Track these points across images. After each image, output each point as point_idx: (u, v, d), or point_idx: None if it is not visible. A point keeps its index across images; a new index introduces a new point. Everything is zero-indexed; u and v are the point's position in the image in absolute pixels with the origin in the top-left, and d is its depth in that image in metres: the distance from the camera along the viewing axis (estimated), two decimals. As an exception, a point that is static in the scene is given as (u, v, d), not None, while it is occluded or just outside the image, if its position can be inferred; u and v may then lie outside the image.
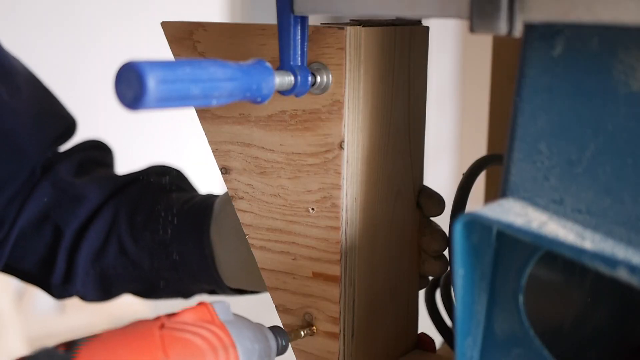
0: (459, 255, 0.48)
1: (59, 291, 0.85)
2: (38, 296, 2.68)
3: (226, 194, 0.77)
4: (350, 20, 0.62)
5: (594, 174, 0.47)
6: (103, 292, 0.84)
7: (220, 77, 0.48)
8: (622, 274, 0.42)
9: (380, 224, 0.65)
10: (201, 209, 0.79)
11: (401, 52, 0.64)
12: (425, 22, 0.67)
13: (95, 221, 0.81)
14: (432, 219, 0.71)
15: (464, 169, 0.69)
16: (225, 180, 0.67)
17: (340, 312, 0.63)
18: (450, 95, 4.30)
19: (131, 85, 0.44)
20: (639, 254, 0.44)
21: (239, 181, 0.66)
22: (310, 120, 0.61)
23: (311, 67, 0.59)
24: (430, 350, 0.72)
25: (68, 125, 0.87)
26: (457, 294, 0.49)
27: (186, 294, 0.84)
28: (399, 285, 0.69)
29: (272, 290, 0.67)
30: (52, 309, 2.78)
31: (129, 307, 2.53)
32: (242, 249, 0.73)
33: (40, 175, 0.82)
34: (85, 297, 0.85)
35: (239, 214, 0.67)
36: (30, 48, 2.24)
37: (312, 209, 0.63)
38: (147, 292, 0.85)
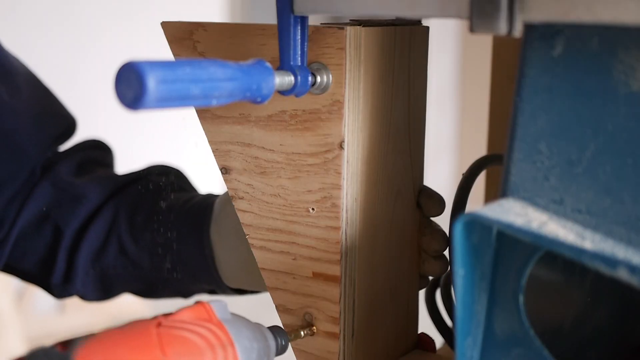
0: (459, 255, 0.48)
1: (59, 291, 0.85)
2: (38, 296, 2.69)
3: (226, 194, 0.77)
4: (350, 20, 0.62)
5: (594, 174, 0.47)
6: (103, 291, 0.84)
7: (220, 77, 0.48)
8: (622, 274, 0.42)
9: (380, 224, 0.65)
10: (201, 209, 0.79)
11: (401, 52, 0.64)
12: (425, 22, 0.67)
13: (95, 221, 0.81)
14: (432, 219, 0.71)
15: (464, 169, 0.69)
16: (225, 180, 0.67)
17: (340, 312, 0.63)
18: (450, 95, 4.30)
19: (131, 85, 0.44)
20: (639, 254, 0.44)
21: (239, 181, 0.66)
22: (310, 120, 0.61)
23: (311, 67, 0.59)
24: (430, 350, 0.72)
25: (68, 124, 0.87)
26: (457, 294, 0.49)
27: (186, 294, 0.84)
28: (399, 285, 0.69)
29: (272, 290, 0.67)
30: (52, 309, 2.78)
31: (128, 307, 2.53)
32: (242, 249, 0.73)
33: (40, 175, 0.82)
34: (85, 297, 0.85)
35: (239, 214, 0.67)
36: (30, 48, 2.24)
37: (312, 209, 0.63)
38: (147, 292, 0.85)
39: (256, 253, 0.67)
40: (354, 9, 0.53)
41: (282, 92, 0.56)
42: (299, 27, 0.57)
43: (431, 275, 0.72)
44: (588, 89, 0.47)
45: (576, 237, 0.46)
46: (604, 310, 0.61)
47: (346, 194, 0.61)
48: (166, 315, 0.55)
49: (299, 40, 0.57)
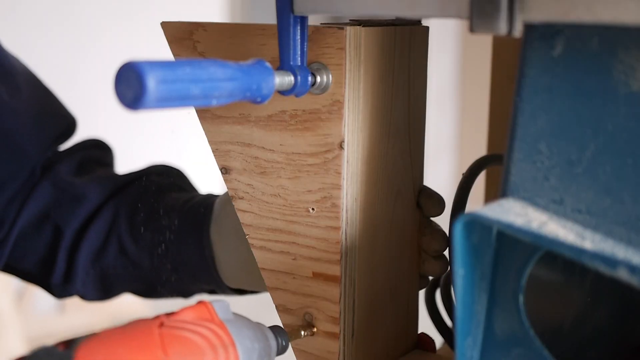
0: (459, 255, 0.48)
1: (59, 291, 0.85)
2: (38, 296, 2.68)
3: (226, 194, 0.77)
4: (350, 20, 0.62)
5: (594, 174, 0.47)
6: (103, 291, 0.84)
7: (220, 77, 0.48)
8: (622, 274, 0.42)
9: (380, 224, 0.65)
10: (201, 209, 0.79)
11: (401, 52, 0.64)
12: (425, 22, 0.67)
13: (96, 221, 0.81)
14: (432, 219, 0.71)
15: (464, 169, 0.69)
16: (225, 180, 0.67)
17: (340, 312, 0.63)
18: (450, 95, 4.30)
19: (131, 85, 0.44)
20: (639, 254, 0.44)
21: (239, 181, 0.66)
22: (310, 120, 0.61)
23: (311, 67, 0.59)
24: (430, 350, 0.72)
25: (68, 124, 0.87)
26: (457, 294, 0.49)
27: (186, 294, 0.84)
28: (399, 285, 0.69)
29: (272, 290, 0.67)
30: (52, 309, 2.78)
31: (129, 306, 2.53)
32: (242, 249, 0.73)
33: (40, 175, 0.82)
34: (86, 297, 0.85)
35: (239, 214, 0.67)
36: (30, 48, 2.24)
37: (312, 209, 0.63)
38: (147, 291, 0.85)
39: (256, 253, 0.67)
40: (354, 9, 0.53)
41: (282, 92, 0.56)
42: (299, 27, 0.57)
43: (431, 275, 0.72)
44: (588, 89, 0.47)
45: (576, 237, 0.46)
46: (604, 310, 0.61)
47: (346, 194, 0.61)
48: (168, 315, 0.55)
49: (299, 40, 0.57)
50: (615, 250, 0.45)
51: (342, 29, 0.58)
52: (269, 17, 0.59)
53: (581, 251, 0.45)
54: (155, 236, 0.80)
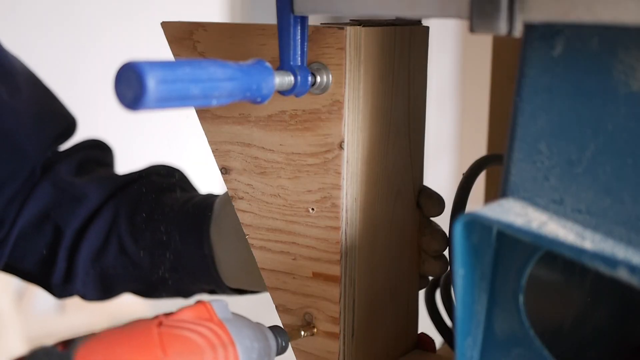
0: (459, 255, 0.48)
1: (60, 291, 0.85)
2: (38, 296, 2.69)
3: (226, 194, 0.77)
4: (350, 20, 0.62)
5: (594, 174, 0.47)
6: (103, 291, 0.84)
7: (220, 77, 0.48)
8: (622, 274, 0.42)
9: (380, 224, 0.65)
10: (201, 209, 0.79)
11: (401, 52, 0.64)
12: (425, 22, 0.67)
13: (96, 221, 0.81)
14: (432, 219, 0.71)
15: (464, 169, 0.69)
16: (225, 180, 0.67)
17: (340, 312, 0.63)
18: (450, 95, 4.30)
19: (131, 86, 0.44)
20: (639, 254, 0.44)
21: (239, 181, 0.66)
22: (310, 120, 0.61)
23: (311, 67, 0.59)
24: (430, 350, 0.72)
25: (68, 124, 0.87)
26: (457, 294, 0.49)
27: (186, 294, 0.84)
28: (399, 285, 0.69)
29: (272, 290, 0.67)
30: (52, 309, 2.78)
31: (128, 306, 2.52)
32: (242, 249, 0.73)
33: (40, 175, 0.82)
34: (86, 297, 0.85)
35: (239, 214, 0.67)
36: (30, 48, 2.24)
37: (312, 209, 0.63)
38: (147, 291, 0.85)
39: (256, 253, 0.67)
40: (354, 9, 0.53)
41: (282, 92, 0.56)
42: (299, 27, 0.57)
43: (431, 275, 0.72)
44: (588, 89, 0.47)
45: (576, 237, 0.46)
46: (604, 310, 0.61)
47: (346, 194, 0.61)
48: (167, 314, 0.55)
49: (299, 40, 0.57)
50: (615, 250, 0.45)
51: (342, 29, 0.58)
52: (269, 17, 0.59)
53: (581, 251, 0.45)
54: (156, 236, 0.80)
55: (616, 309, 0.61)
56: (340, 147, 0.60)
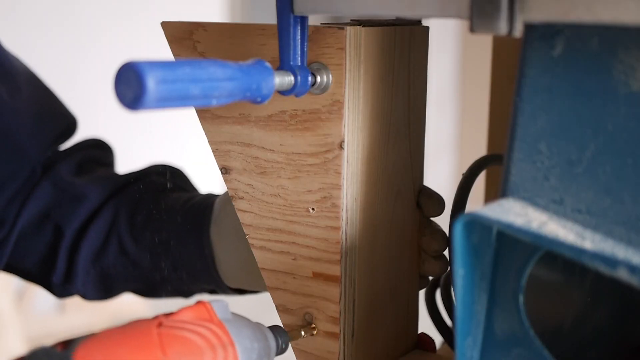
0: (459, 255, 0.48)
1: (60, 290, 0.85)
2: (38, 296, 2.69)
3: (226, 193, 0.77)
4: (351, 20, 0.62)
5: (594, 174, 0.47)
6: (103, 291, 0.84)
7: (220, 77, 0.48)
8: (622, 274, 0.42)
9: (380, 224, 0.65)
10: (201, 209, 0.79)
11: (401, 52, 0.64)
12: (425, 22, 0.67)
13: (96, 221, 0.81)
14: (432, 219, 0.71)
15: (464, 169, 0.69)
16: (225, 180, 0.67)
17: (340, 312, 0.63)
18: (450, 95, 4.30)
19: (131, 85, 0.44)
20: (639, 254, 0.44)
21: (239, 181, 0.66)
22: (310, 120, 0.61)
23: (311, 67, 0.59)
24: (430, 350, 0.72)
25: (68, 124, 0.87)
26: (457, 294, 0.49)
27: (186, 294, 0.84)
28: (399, 285, 0.69)
29: (272, 290, 0.67)
30: (52, 309, 2.78)
31: (128, 307, 2.53)
32: (242, 249, 0.73)
33: (40, 175, 0.82)
34: (86, 296, 0.86)
35: (239, 214, 0.67)
36: (30, 48, 2.24)
37: (312, 209, 0.63)
38: (148, 291, 0.85)
39: (256, 253, 0.67)
40: (354, 9, 0.53)
41: (282, 92, 0.56)
42: (299, 27, 0.57)
43: (431, 275, 0.72)
44: (588, 89, 0.47)
45: (576, 237, 0.46)
46: (604, 310, 0.61)
47: (346, 194, 0.61)
48: (167, 315, 0.55)
49: (299, 40, 0.57)
50: (615, 250, 0.45)
51: (342, 29, 0.58)
52: (269, 17, 0.59)
53: (581, 251, 0.45)
54: (156, 236, 0.80)
55: (616, 309, 0.61)
56: (341, 147, 0.60)
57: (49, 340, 0.53)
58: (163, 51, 0.66)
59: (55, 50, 2.88)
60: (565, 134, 0.48)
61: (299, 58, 0.57)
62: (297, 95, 0.58)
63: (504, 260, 0.50)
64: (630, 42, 0.45)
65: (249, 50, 0.62)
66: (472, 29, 0.46)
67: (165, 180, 0.84)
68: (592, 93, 0.47)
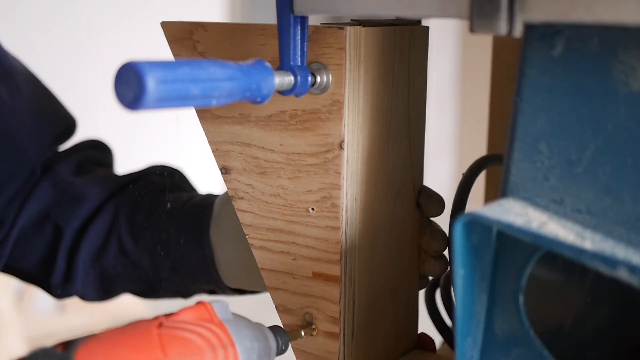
0: (459, 255, 0.48)
1: (59, 291, 0.85)
2: (38, 296, 2.69)
3: (226, 193, 0.77)
4: (351, 20, 0.62)
5: (594, 174, 0.47)
6: (103, 292, 0.84)
7: (220, 77, 0.48)
8: (622, 274, 0.42)
9: (380, 224, 0.65)
10: (201, 209, 0.79)
11: (401, 52, 0.64)
12: (425, 22, 0.67)
13: (95, 221, 0.81)
14: (432, 219, 0.71)
15: (464, 169, 0.69)
16: (225, 180, 0.67)
17: (340, 312, 0.63)
18: (450, 95, 4.30)
19: (131, 86, 0.44)
20: (639, 254, 0.44)
21: (239, 181, 0.66)
22: (310, 120, 0.61)
23: (311, 67, 0.59)
24: (430, 350, 0.72)
25: (68, 124, 0.87)
26: (457, 294, 0.49)
27: (186, 294, 0.84)
28: (399, 285, 0.69)
29: (272, 290, 0.67)
30: (52, 309, 2.78)
31: (128, 307, 2.53)
32: (242, 249, 0.73)
33: (40, 175, 0.82)
34: (85, 297, 0.85)
35: (239, 214, 0.67)
36: (30, 48, 2.24)
37: (312, 209, 0.63)
38: (147, 292, 0.85)
39: (256, 253, 0.67)
40: (354, 9, 0.53)
41: (282, 92, 0.56)
42: (299, 27, 0.57)
43: (431, 275, 0.72)
44: (588, 89, 0.47)
45: (576, 237, 0.46)
46: (604, 310, 0.61)
47: (346, 194, 0.61)
48: (167, 315, 0.55)
49: (299, 40, 0.57)
50: (615, 250, 0.45)
51: (342, 29, 0.58)
52: (269, 17, 0.59)
53: (581, 251, 0.45)
54: (155, 236, 0.80)
55: (616, 309, 0.61)
56: (340, 147, 0.60)
57: (49, 341, 0.53)
58: (163, 51, 0.66)
59: (55, 50, 2.88)
60: (565, 134, 0.48)
61: (299, 58, 0.57)
62: (297, 95, 0.58)
63: (504, 260, 0.50)
64: (630, 42, 0.45)
65: (249, 50, 0.62)
66: (472, 29, 0.46)
67: (165, 181, 0.84)
68: (592, 93, 0.47)
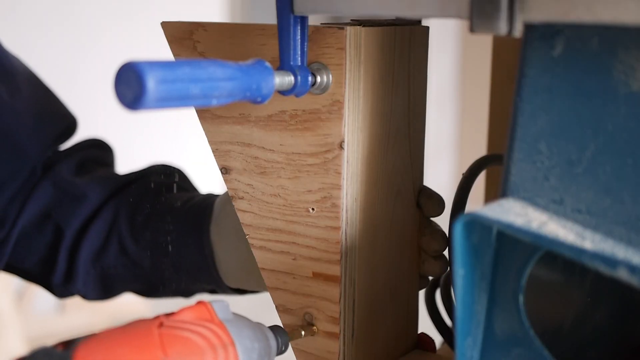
0: (459, 255, 0.48)
1: (60, 290, 0.85)
2: (38, 296, 2.69)
3: (226, 193, 0.77)
4: (351, 20, 0.62)
5: (594, 174, 0.47)
6: (104, 291, 0.84)
7: (220, 77, 0.48)
8: (622, 274, 0.42)
9: (380, 224, 0.65)
10: (201, 209, 0.79)
11: (401, 52, 0.64)
12: (425, 22, 0.67)
13: (96, 221, 0.81)
14: (432, 219, 0.71)
15: (464, 169, 0.69)
16: (225, 180, 0.67)
17: (340, 312, 0.63)
18: (450, 95, 4.30)
19: (131, 86, 0.44)
20: (639, 254, 0.44)
21: (239, 181, 0.66)
22: (310, 120, 0.61)
23: (311, 67, 0.59)
24: (430, 350, 0.72)
25: (68, 124, 0.87)
26: (457, 294, 0.49)
27: (186, 294, 0.84)
28: (399, 285, 0.69)
29: (272, 290, 0.67)
30: (52, 309, 2.78)
31: (128, 307, 2.53)
32: (242, 248, 0.73)
33: (40, 175, 0.82)
34: (86, 296, 0.86)
35: (239, 214, 0.67)
36: (30, 48, 2.24)
37: (312, 209, 0.63)
38: (148, 291, 0.85)
39: (256, 253, 0.67)
40: (354, 9, 0.53)
41: (282, 92, 0.56)
42: (299, 27, 0.57)
43: (431, 275, 0.72)
44: (588, 89, 0.47)
45: (576, 237, 0.46)
46: (604, 310, 0.61)
47: (346, 194, 0.61)
48: (167, 315, 0.55)
49: (299, 40, 0.57)
50: (615, 250, 0.45)
51: (342, 29, 0.58)
52: (269, 17, 0.59)
53: (581, 251, 0.45)
54: (156, 236, 0.80)
55: (616, 309, 0.61)
56: (340, 147, 0.60)
57: (49, 340, 0.53)
58: (163, 51, 0.66)
59: (55, 50, 2.88)
60: (565, 134, 0.48)
61: (299, 58, 0.57)
62: (297, 95, 0.58)
63: (504, 260, 0.50)
64: (630, 42, 0.45)
65: (249, 50, 0.62)
66: (472, 29, 0.46)
67: (165, 180, 0.84)
68: (592, 93, 0.47)
